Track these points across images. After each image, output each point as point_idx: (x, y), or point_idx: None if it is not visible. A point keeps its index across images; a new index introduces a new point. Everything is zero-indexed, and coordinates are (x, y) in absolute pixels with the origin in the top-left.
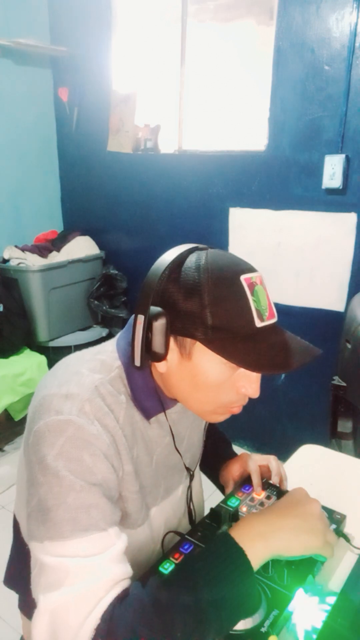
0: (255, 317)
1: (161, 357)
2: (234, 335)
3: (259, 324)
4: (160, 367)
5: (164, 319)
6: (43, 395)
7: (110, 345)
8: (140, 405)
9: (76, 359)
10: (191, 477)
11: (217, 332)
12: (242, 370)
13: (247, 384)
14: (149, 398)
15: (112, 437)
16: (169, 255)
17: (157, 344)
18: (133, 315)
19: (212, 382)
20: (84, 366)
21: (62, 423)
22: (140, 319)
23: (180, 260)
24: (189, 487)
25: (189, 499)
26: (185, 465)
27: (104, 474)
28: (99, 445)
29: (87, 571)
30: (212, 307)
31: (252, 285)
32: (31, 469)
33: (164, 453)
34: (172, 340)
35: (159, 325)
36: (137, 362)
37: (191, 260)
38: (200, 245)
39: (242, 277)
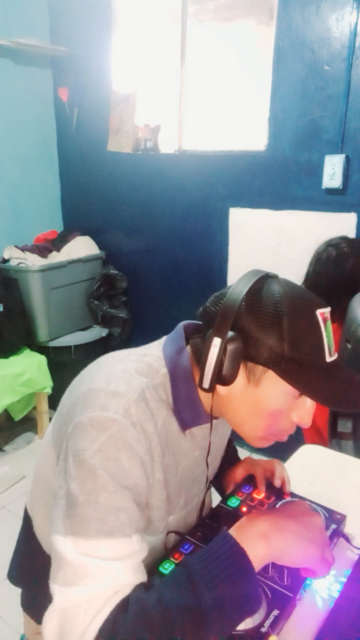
0: (326, 352)
1: (229, 382)
2: (307, 368)
3: (328, 358)
4: (222, 390)
5: (240, 345)
6: (89, 388)
7: (157, 350)
8: (179, 415)
9: (122, 357)
10: (208, 488)
11: (292, 363)
12: (300, 400)
13: (302, 413)
14: (190, 410)
15: (149, 443)
16: (245, 283)
17: (230, 368)
18: (181, 323)
19: (273, 409)
20: (130, 366)
21: (106, 420)
22: (217, 341)
23: (255, 287)
24: (205, 497)
25: (204, 508)
26: (207, 477)
27: (137, 480)
28: (137, 450)
29: (105, 574)
30: (291, 338)
31: (325, 320)
32: (65, 459)
33: (189, 465)
34: (241, 366)
35: (235, 350)
36: (207, 385)
37: (269, 289)
38: (271, 273)
39: (318, 312)
